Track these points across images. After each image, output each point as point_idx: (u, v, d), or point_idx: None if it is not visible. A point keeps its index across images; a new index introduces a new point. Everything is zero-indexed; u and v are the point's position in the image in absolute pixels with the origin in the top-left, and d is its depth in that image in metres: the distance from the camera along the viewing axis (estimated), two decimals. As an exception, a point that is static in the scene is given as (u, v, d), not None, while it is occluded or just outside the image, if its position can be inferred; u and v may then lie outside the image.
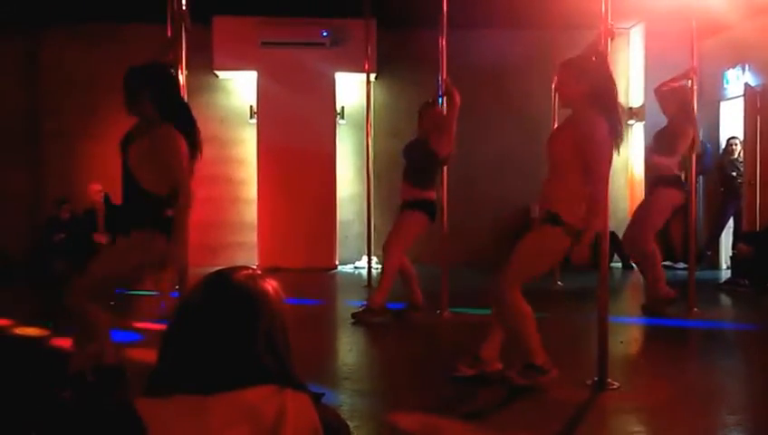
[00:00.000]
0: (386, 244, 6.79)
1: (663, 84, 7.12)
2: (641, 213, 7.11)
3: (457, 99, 6.61)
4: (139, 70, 4.37)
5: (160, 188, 4.23)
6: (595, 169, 4.26)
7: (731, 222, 10.44)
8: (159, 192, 4.22)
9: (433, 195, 6.74)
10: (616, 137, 4.39)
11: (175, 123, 4.24)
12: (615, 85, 4.47)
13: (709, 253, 10.43)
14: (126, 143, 4.35)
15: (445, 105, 6.78)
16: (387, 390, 4.77)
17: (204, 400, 1.55)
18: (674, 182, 6.97)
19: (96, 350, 4.19)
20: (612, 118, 4.36)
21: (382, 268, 6.90)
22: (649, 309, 7.02)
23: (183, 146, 4.22)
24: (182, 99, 4.45)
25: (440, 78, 6.93)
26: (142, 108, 4.31)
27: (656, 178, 7.10)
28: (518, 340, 4.50)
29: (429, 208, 6.67)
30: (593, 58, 4.54)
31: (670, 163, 6.95)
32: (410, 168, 6.76)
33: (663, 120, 7.25)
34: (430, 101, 7.02)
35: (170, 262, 4.24)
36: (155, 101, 4.28)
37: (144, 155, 4.23)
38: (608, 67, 4.51)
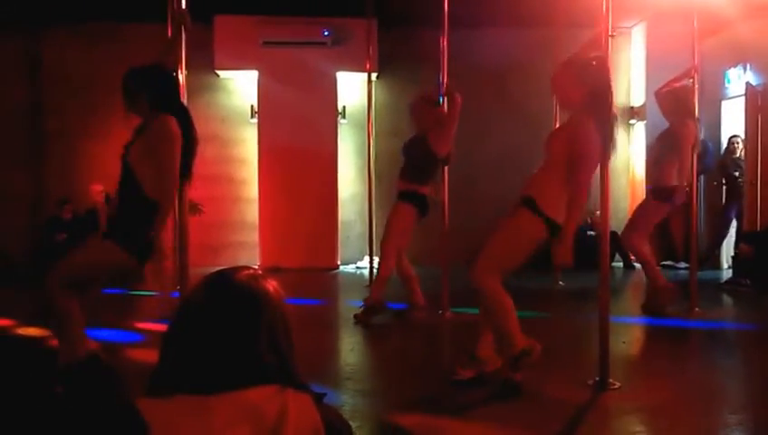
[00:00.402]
0: (381, 241, 6.85)
1: (664, 85, 7.11)
2: (634, 216, 7.15)
3: (459, 100, 6.61)
4: (137, 71, 4.38)
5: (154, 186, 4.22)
6: (579, 172, 4.28)
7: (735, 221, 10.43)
8: (156, 196, 4.21)
9: (426, 190, 6.74)
10: (607, 145, 4.40)
11: None
12: (612, 94, 4.46)
13: (717, 252, 10.41)
14: (130, 142, 4.36)
15: (446, 106, 6.79)
16: (388, 390, 4.76)
17: (206, 400, 1.55)
18: (663, 194, 6.95)
19: (70, 344, 4.20)
20: (604, 127, 4.37)
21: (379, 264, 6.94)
22: (649, 309, 7.02)
23: (178, 141, 4.22)
24: (181, 101, 4.44)
25: (441, 77, 6.93)
26: (140, 109, 4.32)
27: (652, 186, 7.11)
28: (499, 331, 4.42)
29: (419, 201, 6.68)
30: (594, 62, 4.51)
31: (668, 171, 6.94)
32: (408, 164, 6.77)
33: (664, 120, 7.24)
34: (424, 97, 6.98)
35: (156, 285, 4.31)
36: (153, 103, 4.28)
37: (145, 150, 4.23)
38: (608, 74, 4.48)
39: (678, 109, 6.97)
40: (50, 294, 4.17)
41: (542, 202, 4.32)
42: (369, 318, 6.65)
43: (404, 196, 6.70)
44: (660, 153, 7.08)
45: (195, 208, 4.70)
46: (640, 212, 7.14)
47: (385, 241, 6.73)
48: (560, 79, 4.52)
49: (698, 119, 7.13)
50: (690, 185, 7.25)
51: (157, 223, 4.20)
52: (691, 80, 7.06)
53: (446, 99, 6.79)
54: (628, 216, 10.76)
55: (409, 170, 6.73)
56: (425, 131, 6.70)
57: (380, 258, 6.85)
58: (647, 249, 6.98)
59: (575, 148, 4.29)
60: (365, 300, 6.86)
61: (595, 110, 4.35)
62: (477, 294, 4.46)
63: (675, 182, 6.92)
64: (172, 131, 4.20)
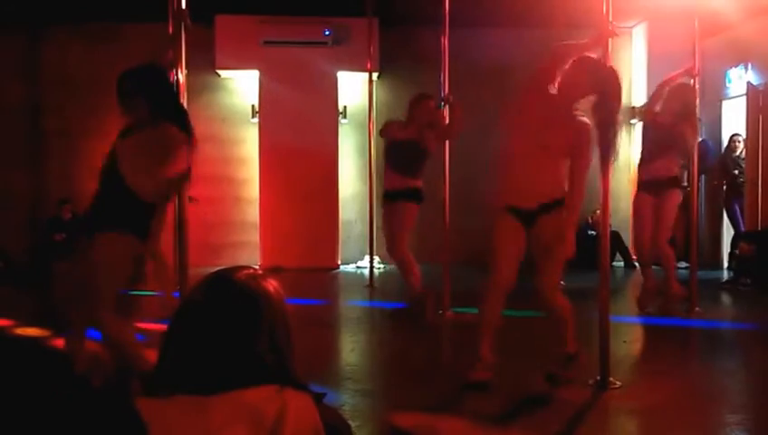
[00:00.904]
0: (390, 245, 6.81)
1: (665, 82, 7.05)
2: (660, 219, 6.94)
3: (459, 112, 6.69)
4: (133, 73, 4.32)
5: (145, 189, 4.18)
6: (581, 167, 4.31)
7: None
8: (143, 196, 4.18)
9: (420, 183, 6.78)
10: (610, 151, 4.36)
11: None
12: (620, 102, 4.42)
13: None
14: (120, 138, 4.31)
15: (447, 116, 6.83)
16: (388, 390, 4.76)
17: (205, 399, 1.54)
18: (677, 183, 7.00)
19: (127, 356, 4.21)
20: (607, 132, 4.31)
21: (401, 268, 6.85)
22: (649, 307, 7.03)
23: (182, 149, 4.19)
24: (179, 102, 4.38)
25: (442, 77, 6.95)
26: (138, 113, 4.25)
27: (658, 181, 6.96)
28: (563, 330, 4.56)
29: (418, 196, 6.76)
30: (607, 67, 4.46)
31: (672, 163, 6.94)
32: (401, 161, 6.75)
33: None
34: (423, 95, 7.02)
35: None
36: (152, 106, 4.22)
37: (138, 152, 4.18)
38: (619, 82, 4.40)
39: (683, 109, 6.93)
40: (105, 330, 4.17)
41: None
42: (418, 310, 6.73)
43: (404, 194, 6.71)
44: (660, 148, 6.97)
45: (189, 199, 4.66)
46: (664, 212, 6.91)
47: (397, 245, 6.71)
48: (573, 78, 4.42)
49: (699, 119, 7.11)
50: (691, 185, 7.26)
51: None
52: (691, 79, 7.05)
53: (446, 105, 6.82)
54: (630, 215, 10.85)
55: (400, 167, 6.72)
56: (421, 128, 6.70)
57: (398, 263, 6.80)
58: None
59: (580, 145, 4.30)
60: (409, 297, 6.90)
61: (600, 114, 4.32)
62: (548, 307, 4.53)
63: (677, 172, 7.02)
64: (177, 140, 4.17)
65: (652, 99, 7.12)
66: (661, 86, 7.04)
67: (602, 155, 4.37)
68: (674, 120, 6.88)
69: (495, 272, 4.45)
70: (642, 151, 7.11)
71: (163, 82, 4.34)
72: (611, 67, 4.46)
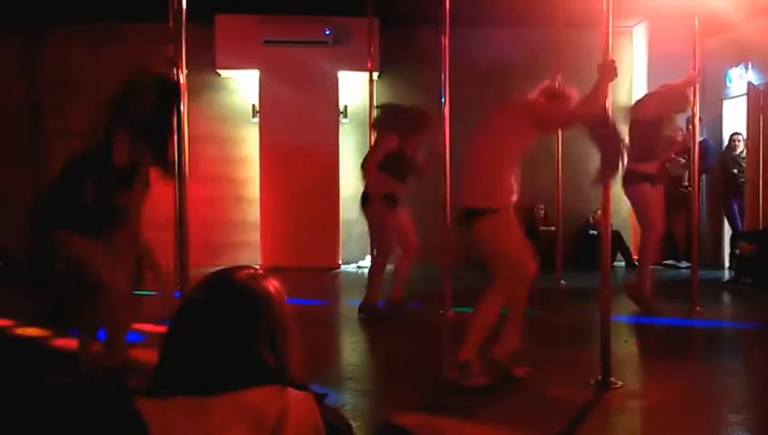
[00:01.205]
0: (408, 248, 6.90)
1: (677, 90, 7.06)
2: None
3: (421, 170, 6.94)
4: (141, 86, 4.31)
5: None
6: None
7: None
8: None
9: None
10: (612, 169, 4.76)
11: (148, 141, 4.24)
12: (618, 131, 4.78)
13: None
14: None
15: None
16: (389, 390, 4.76)
17: (205, 400, 1.54)
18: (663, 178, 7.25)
19: (114, 350, 4.25)
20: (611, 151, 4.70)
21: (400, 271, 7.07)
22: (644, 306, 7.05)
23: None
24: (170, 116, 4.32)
25: (442, 76, 6.96)
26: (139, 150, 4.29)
27: (657, 175, 6.97)
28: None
29: None
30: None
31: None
32: (401, 170, 6.81)
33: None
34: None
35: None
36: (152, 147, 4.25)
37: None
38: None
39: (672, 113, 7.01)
40: (125, 329, 4.26)
41: None
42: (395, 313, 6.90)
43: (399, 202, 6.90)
44: (660, 144, 6.97)
45: None
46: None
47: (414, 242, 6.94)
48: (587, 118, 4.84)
49: (700, 118, 7.10)
50: (692, 184, 7.26)
51: None
52: (693, 86, 7.06)
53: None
54: (629, 216, 10.84)
55: (401, 175, 6.83)
56: (417, 147, 6.88)
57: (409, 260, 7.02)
58: None
59: None
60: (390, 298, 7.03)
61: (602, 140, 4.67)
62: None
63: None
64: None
65: (654, 99, 7.12)
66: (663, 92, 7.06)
67: (606, 170, 4.56)
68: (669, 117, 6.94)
69: (522, 270, 4.60)
70: (643, 146, 6.84)
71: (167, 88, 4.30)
72: (606, 116, 4.67)
